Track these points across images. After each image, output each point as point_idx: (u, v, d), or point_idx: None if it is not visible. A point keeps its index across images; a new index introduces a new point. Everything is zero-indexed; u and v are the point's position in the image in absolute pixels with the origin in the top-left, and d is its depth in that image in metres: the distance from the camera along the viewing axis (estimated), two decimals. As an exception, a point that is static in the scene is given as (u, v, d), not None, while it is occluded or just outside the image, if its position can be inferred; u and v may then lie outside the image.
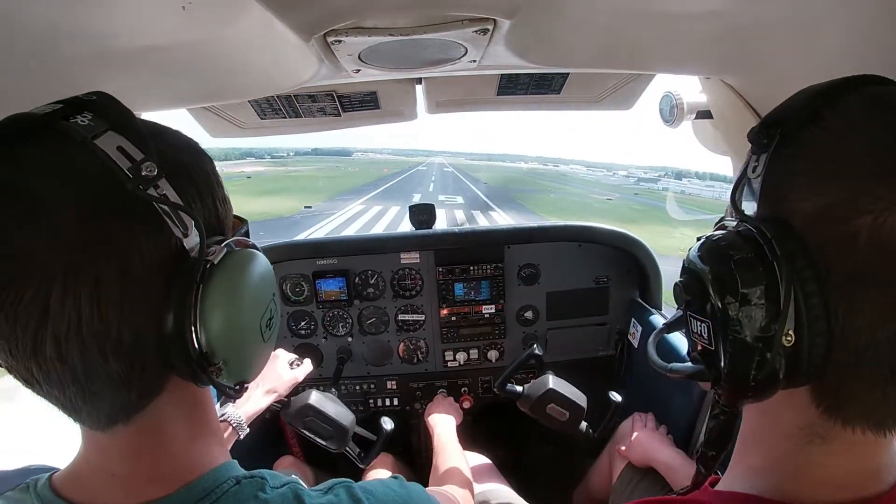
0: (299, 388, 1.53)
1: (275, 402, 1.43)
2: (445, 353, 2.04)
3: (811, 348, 0.44)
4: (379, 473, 1.65)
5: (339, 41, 0.86)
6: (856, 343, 0.43)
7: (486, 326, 2.01)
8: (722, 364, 0.50)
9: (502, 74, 1.30)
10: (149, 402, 0.52)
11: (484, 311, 1.99)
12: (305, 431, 1.49)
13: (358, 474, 1.61)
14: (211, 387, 0.56)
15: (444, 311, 1.98)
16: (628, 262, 1.95)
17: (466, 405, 2.03)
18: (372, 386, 2.07)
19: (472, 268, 1.94)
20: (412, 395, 2.09)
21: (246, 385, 0.58)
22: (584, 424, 1.56)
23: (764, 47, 0.86)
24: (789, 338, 0.44)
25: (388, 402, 2.09)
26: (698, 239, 0.53)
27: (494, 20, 0.83)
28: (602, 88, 1.40)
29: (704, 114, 1.19)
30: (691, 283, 0.53)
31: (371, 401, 2.09)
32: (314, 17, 0.77)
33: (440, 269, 1.94)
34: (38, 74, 0.75)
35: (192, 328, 0.49)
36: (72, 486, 0.56)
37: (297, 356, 1.55)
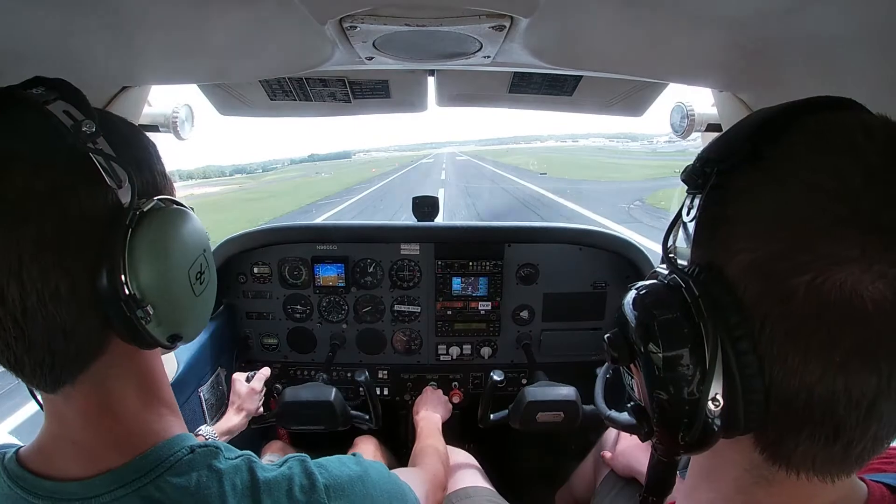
0: (277, 387, 1.58)
1: (250, 418, 1.54)
2: (439, 347, 2.05)
3: (747, 406, 0.42)
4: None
5: (355, 27, 0.85)
6: (794, 401, 0.41)
7: (480, 323, 2.02)
8: (652, 421, 0.49)
9: (515, 72, 1.30)
10: (91, 360, 0.55)
11: (480, 308, 1.99)
12: (302, 428, 1.52)
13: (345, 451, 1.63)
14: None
15: (440, 305, 1.99)
16: (628, 269, 1.95)
17: (456, 399, 2.04)
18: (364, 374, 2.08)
19: (471, 263, 1.94)
20: (403, 386, 2.10)
21: (181, 341, 0.61)
22: (589, 408, 1.55)
23: (779, 65, 0.86)
24: (717, 402, 0.42)
25: (378, 392, 2.10)
26: (628, 287, 0.51)
27: (512, 17, 0.82)
28: (614, 94, 1.39)
29: (714, 127, 1.19)
30: (618, 338, 0.51)
31: (361, 389, 2.10)
32: (331, 1, 0.77)
33: (439, 263, 1.94)
34: (49, 41, 0.75)
35: (122, 272, 0.52)
36: (37, 458, 0.58)
37: (251, 371, 1.63)
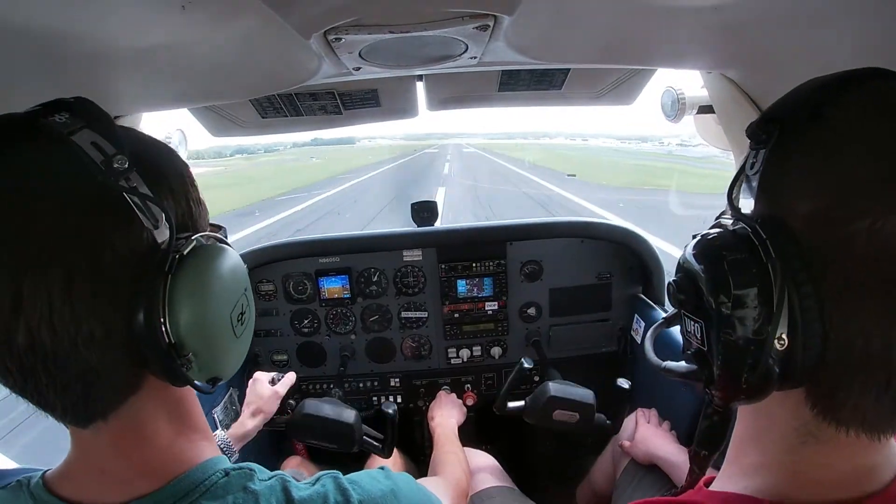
0: (291, 403, 1.55)
1: (266, 422, 1.46)
2: (448, 351, 2.05)
3: (805, 352, 0.43)
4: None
5: (340, 39, 0.86)
6: (850, 348, 0.42)
7: (488, 323, 2.01)
8: (714, 365, 0.50)
9: (503, 71, 1.30)
10: (124, 398, 0.53)
11: (487, 308, 1.99)
12: (314, 442, 1.49)
13: (360, 467, 1.62)
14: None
15: (447, 309, 1.98)
16: (631, 258, 1.95)
17: (470, 402, 2.03)
18: (375, 383, 2.08)
19: (474, 265, 1.94)
20: (415, 392, 2.10)
21: (220, 382, 0.59)
22: (600, 416, 1.55)
23: (765, 42, 0.86)
24: (782, 341, 0.43)
25: (391, 400, 2.10)
26: (693, 236, 0.53)
27: (495, 16, 0.82)
28: (603, 84, 1.39)
29: (706, 109, 1.19)
30: (684, 283, 0.52)
31: (375, 398, 2.10)
32: (314, 14, 0.77)
33: (443, 267, 1.94)
34: (36, 76, 0.75)
35: (161, 319, 0.50)
36: (64, 483, 0.57)
37: (276, 373, 1.57)
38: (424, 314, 2.00)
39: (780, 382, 0.45)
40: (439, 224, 2.02)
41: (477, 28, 0.86)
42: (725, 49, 0.94)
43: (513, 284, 1.98)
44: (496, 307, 1.99)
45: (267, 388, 1.49)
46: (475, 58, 1.04)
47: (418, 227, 1.99)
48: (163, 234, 0.51)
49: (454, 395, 2.00)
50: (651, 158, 45.24)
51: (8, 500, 0.57)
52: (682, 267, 0.53)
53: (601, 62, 1.10)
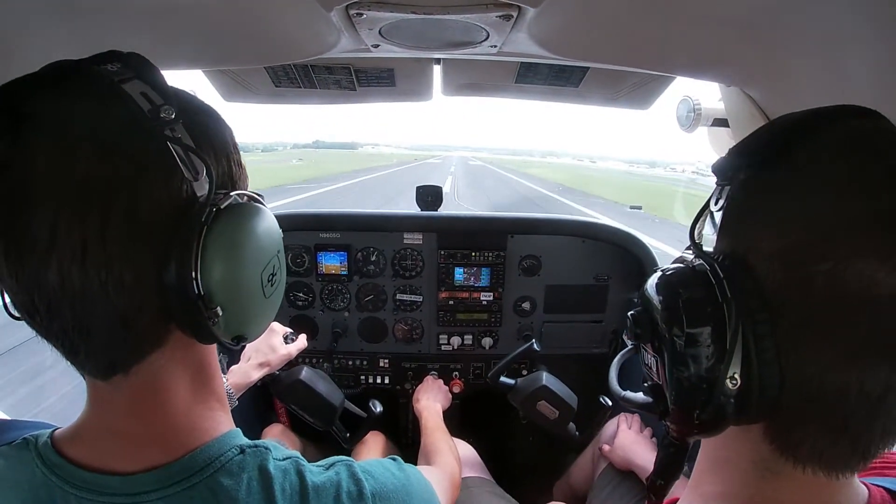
0: (292, 363, 1.54)
1: (266, 375, 1.44)
2: (440, 337, 2.06)
3: (761, 391, 0.43)
4: (367, 449, 1.68)
5: (361, 14, 0.85)
6: (807, 389, 0.42)
7: (482, 313, 2.02)
8: (668, 400, 0.50)
9: (522, 62, 1.29)
10: (148, 351, 0.53)
11: (482, 298, 2.00)
12: (294, 407, 1.50)
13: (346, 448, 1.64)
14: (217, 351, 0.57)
15: (443, 295, 1.99)
16: (630, 263, 1.95)
17: (456, 389, 2.06)
18: (364, 362, 2.10)
19: (473, 254, 1.94)
20: (403, 375, 2.12)
21: (245, 341, 0.58)
22: (571, 425, 1.57)
23: (788, 61, 0.85)
24: (735, 381, 0.43)
25: (379, 380, 2.12)
26: (654, 271, 0.53)
27: (519, 7, 0.82)
28: (621, 86, 1.38)
29: (721, 122, 1.18)
30: (642, 317, 0.53)
31: (363, 377, 2.12)
32: (337, -13, 0.76)
33: (442, 253, 1.94)
34: (58, 29, 0.75)
35: (193, 269, 0.50)
36: (75, 444, 0.56)
37: (292, 331, 1.56)
38: (419, 298, 2.01)
39: (735, 419, 0.45)
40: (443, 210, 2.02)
41: (500, 17, 0.85)
42: (748, 65, 0.93)
43: (510, 277, 1.98)
44: (491, 298, 2.00)
45: (281, 345, 1.47)
46: (495, 46, 1.03)
47: (422, 210, 1.99)
48: (202, 188, 0.51)
49: (441, 381, 2.01)
50: (697, 187, 36.90)
51: (13, 458, 0.56)
52: (641, 300, 0.53)
53: (621, 64, 1.08)
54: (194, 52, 1.03)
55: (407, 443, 2.17)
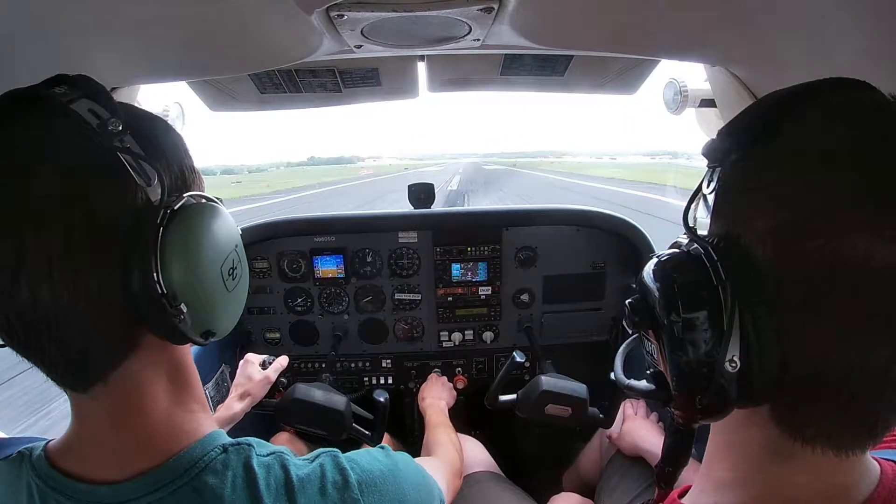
0: (282, 381, 1.54)
1: (255, 405, 1.45)
2: (441, 334, 2.06)
3: (762, 372, 0.43)
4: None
5: (342, 15, 0.85)
6: (809, 368, 0.42)
7: (481, 308, 2.03)
8: (671, 386, 0.50)
9: (506, 54, 1.28)
10: (123, 357, 0.55)
11: (480, 293, 2.00)
12: (302, 427, 1.47)
13: (350, 445, 1.63)
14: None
15: (441, 292, 1.99)
16: (626, 249, 1.95)
17: (460, 385, 2.06)
18: (367, 364, 2.10)
19: (469, 249, 1.94)
20: (407, 374, 2.12)
21: (214, 336, 0.60)
22: (593, 410, 1.54)
23: (771, 38, 0.85)
24: (734, 364, 0.43)
25: (382, 381, 2.12)
26: (650, 257, 0.53)
27: None
28: (606, 72, 1.38)
29: (708, 102, 1.18)
30: (639, 304, 0.53)
31: (366, 379, 2.12)
32: (316, -11, 0.76)
33: (438, 250, 1.94)
34: (41, 47, 0.74)
35: (154, 270, 0.52)
36: (66, 456, 0.57)
37: (268, 356, 1.56)
38: (418, 296, 2.01)
39: (739, 402, 0.45)
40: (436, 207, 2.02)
41: (481, 10, 0.85)
42: (731, 44, 0.93)
43: (507, 270, 1.99)
44: (489, 292, 2.00)
45: (257, 372, 1.49)
46: (478, 40, 1.03)
47: (415, 209, 1.99)
48: (155, 193, 0.53)
49: (445, 377, 2.02)
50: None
51: (9, 472, 0.58)
52: (638, 288, 0.53)
53: (604, 50, 1.09)
54: (178, 63, 1.02)
55: (413, 442, 2.17)
